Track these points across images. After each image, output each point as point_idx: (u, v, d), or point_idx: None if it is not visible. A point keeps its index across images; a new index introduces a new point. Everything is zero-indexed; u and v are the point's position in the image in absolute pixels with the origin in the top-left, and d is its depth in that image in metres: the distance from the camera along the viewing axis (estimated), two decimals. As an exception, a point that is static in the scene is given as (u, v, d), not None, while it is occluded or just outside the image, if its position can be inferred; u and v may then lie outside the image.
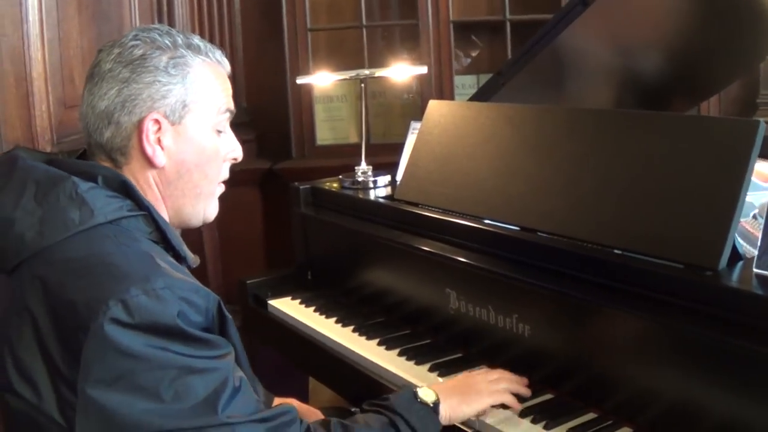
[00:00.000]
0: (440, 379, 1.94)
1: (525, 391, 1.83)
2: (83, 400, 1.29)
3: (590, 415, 1.75)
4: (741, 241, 1.76)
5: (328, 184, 2.73)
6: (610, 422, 1.71)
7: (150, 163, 1.52)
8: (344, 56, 4.22)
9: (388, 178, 2.65)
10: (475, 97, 2.66)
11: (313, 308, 2.46)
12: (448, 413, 1.71)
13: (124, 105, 1.49)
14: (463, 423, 1.77)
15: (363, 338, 2.22)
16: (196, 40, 1.58)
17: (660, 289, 1.66)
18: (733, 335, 1.50)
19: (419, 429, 1.63)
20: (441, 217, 2.20)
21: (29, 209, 1.41)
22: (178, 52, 1.53)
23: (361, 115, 2.68)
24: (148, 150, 1.51)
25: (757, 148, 1.66)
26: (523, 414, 1.77)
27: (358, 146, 4.20)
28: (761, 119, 1.70)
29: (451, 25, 4.02)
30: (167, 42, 1.53)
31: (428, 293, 2.18)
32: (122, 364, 1.29)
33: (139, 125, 1.50)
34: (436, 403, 1.69)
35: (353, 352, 2.17)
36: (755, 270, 1.60)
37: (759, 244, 1.62)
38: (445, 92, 4.12)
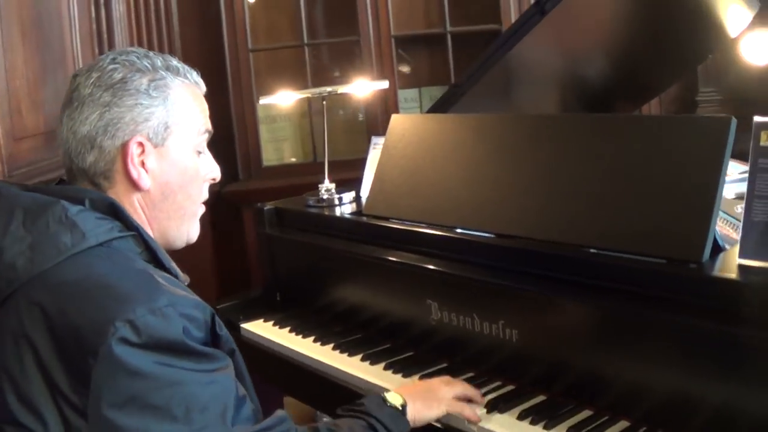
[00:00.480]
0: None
1: (480, 399, 1.87)
2: (96, 425, 1.29)
3: (586, 413, 1.78)
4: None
5: (291, 203, 2.72)
6: (606, 418, 1.74)
7: (135, 186, 1.52)
8: (285, 76, 4.22)
9: (352, 194, 2.66)
10: (433, 109, 2.68)
11: (287, 329, 2.45)
12: (413, 416, 1.76)
13: (106, 129, 1.49)
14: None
15: (345, 355, 2.22)
16: (174, 61, 1.59)
17: (647, 284, 1.71)
18: (723, 324, 1.55)
19: (392, 428, 1.68)
20: (417, 229, 2.22)
21: (18, 236, 1.40)
22: (158, 74, 1.53)
23: (324, 133, 2.67)
24: (134, 173, 1.51)
25: (731, 142, 1.72)
26: (521, 417, 1.79)
27: (304, 166, 4.25)
28: (731, 116, 1.75)
29: (393, 40, 4.05)
30: (146, 64, 1.53)
31: (407, 306, 2.19)
32: (133, 384, 1.29)
33: (123, 149, 1.50)
34: (404, 406, 1.74)
35: (338, 369, 2.17)
36: (739, 260, 1.65)
37: (740, 234, 1.67)
38: (389, 107, 4.15)
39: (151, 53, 1.57)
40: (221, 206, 3.98)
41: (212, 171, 1.66)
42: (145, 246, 1.50)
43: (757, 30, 2.99)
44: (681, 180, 1.75)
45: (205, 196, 1.66)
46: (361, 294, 2.38)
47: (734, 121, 1.73)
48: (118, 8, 3.80)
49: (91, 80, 1.51)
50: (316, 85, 3.96)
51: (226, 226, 4.11)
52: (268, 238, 2.67)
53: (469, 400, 1.86)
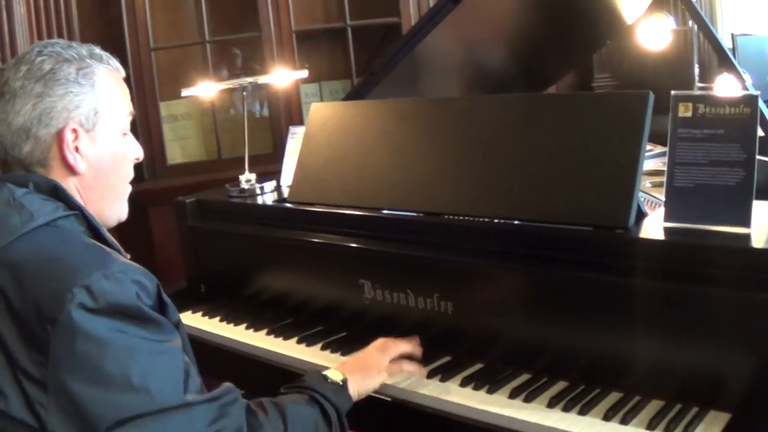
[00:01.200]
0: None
1: (418, 351, 1.98)
2: (55, 393, 1.33)
3: (525, 376, 1.87)
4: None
5: (213, 195, 2.74)
6: (545, 380, 1.84)
7: (71, 170, 1.57)
8: (188, 74, 4.21)
9: (273, 184, 2.69)
10: (350, 97, 2.74)
11: (218, 318, 2.46)
12: (356, 389, 1.82)
13: (40, 119, 1.53)
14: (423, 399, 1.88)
15: (280, 339, 2.25)
16: (97, 50, 1.64)
17: (578, 250, 1.81)
18: (653, 282, 1.68)
19: (337, 404, 1.74)
20: (345, 211, 2.27)
21: None
22: (84, 63, 1.58)
23: (244, 126, 2.69)
24: (70, 158, 1.56)
25: (649, 115, 1.84)
26: (463, 383, 1.87)
27: (209, 163, 4.25)
28: (649, 91, 1.87)
29: (294, 35, 4.09)
30: (73, 54, 1.57)
31: (339, 287, 2.24)
32: (91, 351, 1.33)
33: (58, 136, 1.54)
34: (345, 381, 1.80)
35: (275, 353, 2.20)
36: (664, 223, 1.77)
37: (664, 199, 1.79)
38: (291, 102, 4.19)
39: (74, 43, 1.61)
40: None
41: (137, 151, 1.71)
42: (88, 224, 1.55)
43: (653, 16, 3.14)
44: (604, 152, 1.86)
45: (132, 175, 1.71)
46: (291, 279, 2.42)
47: (652, 96, 1.85)
48: (19, 11, 3.75)
49: (21, 73, 1.54)
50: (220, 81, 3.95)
51: (133, 226, 4.07)
52: (191, 231, 2.68)
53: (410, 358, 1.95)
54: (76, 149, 1.56)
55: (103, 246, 1.49)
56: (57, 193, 1.53)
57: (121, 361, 1.35)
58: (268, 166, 3.19)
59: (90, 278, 1.35)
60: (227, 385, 1.55)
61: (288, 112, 4.18)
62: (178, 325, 1.55)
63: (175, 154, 4.28)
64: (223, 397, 1.50)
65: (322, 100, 4.35)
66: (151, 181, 4.11)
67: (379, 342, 1.97)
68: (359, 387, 1.83)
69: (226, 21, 4.36)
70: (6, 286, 1.39)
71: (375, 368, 1.89)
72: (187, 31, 4.36)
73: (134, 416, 1.34)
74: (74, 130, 1.55)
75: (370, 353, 1.94)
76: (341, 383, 1.80)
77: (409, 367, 1.92)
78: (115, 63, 1.66)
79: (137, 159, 1.71)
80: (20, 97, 1.53)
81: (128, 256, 1.60)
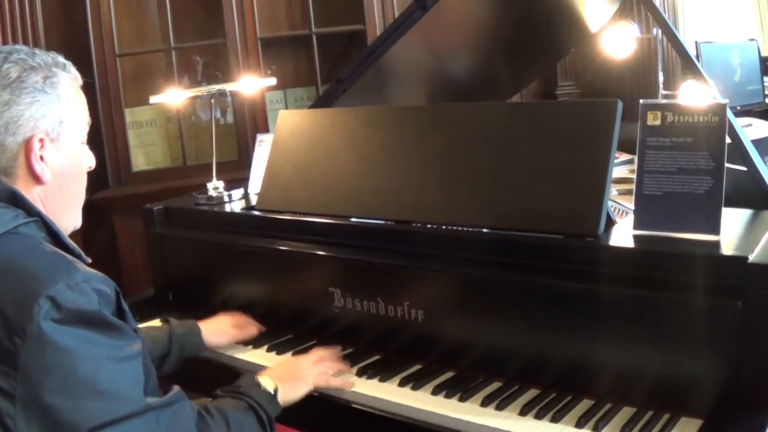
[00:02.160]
0: (351, 375, 2.02)
1: (344, 367, 2.04)
2: (25, 404, 1.33)
3: (496, 384, 1.87)
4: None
5: (180, 203, 2.73)
6: (516, 387, 1.84)
7: (36, 180, 1.56)
8: (152, 80, 4.19)
9: (241, 191, 2.69)
10: (317, 105, 2.73)
11: (187, 326, 2.44)
12: (283, 398, 1.88)
13: (7, 127, 1.51)
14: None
15: (250, 347, 2.25)
16: (60, 58, 1.62)
17: (550, 258, 1.82)
18: (624, 289, 1.70)
19: (269, 411, 1.80)
20: (315, 219, 2.26)
21: None
22: (50, 71, 1.56)
23: (212, 133, 2.68)
24: (37, 168, 1.55)
25: (618, 123, 1.85)
26: (434, 392, 1.87)
27: (173, 170, 4.22)
28: (618, 99, 1.88)
29: (259, 42, 4.08)
30: (39, 62, 1.56)
31: (309, 295, 2.23)
32: (60, 361, 1.34)
33: (25, 145, 1.53)
34: (276, 390, 1.86)
35: (247, 362, 2.19)
36: (633, 231, 1.78)
37: (633, 207, 1.80)
38: (257, 109, 4.17)
39: (37, 50, 1.60)
40: (91, 213, 3.90)
41: (91, 160, 1.71)
42: (48, 230, 1.55)
43: (617, 24, 3.17)
44: (573, 160, 1.87)
45: (85, 183, 1.71)
46: (260, 287, 2.41)
47: (620, 104, 1.86)
48: (-18, 15, 3.71)
49: None
50: (186, 88, 3.94)
51: (96, 233, 4.06)
52: (158, 238, 2.66)
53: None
54: (41, 158, 1.55)
55: (64, 254, 1.49)
56: (16, 200, 1.52)
57: (89, 369, 1.36)
58: (234, 173, 3.20)
59: (54, 288, 1.36)
60: (177, 389, 1.59)
61: (253, 119, 4.16)
62: (137, 331, 1.55)
63: (139, 161, 4.25)
64: (177, 402, 1.54)
65: (287, 107, 4.34)
66: (115, 188, 4.07)
67: (316, 352, 2.06)
68: (287, 395, 1.89)
69: (188, 28, 4.34)
70: None
71: (302, 379, 1.94)
72: (150, 38, 4.33)
73: (106, 423, 1.36)
74: (41, 140, 1.54)
75: (298, 363, 2.01)
76: (272, 392, 1.85)
77: (335, 381, 1.97)
78: (74, 71, 1.65)
79: (90, 168, 1.72)
80: None
81: (89, 260, 1.60)
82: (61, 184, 1.60)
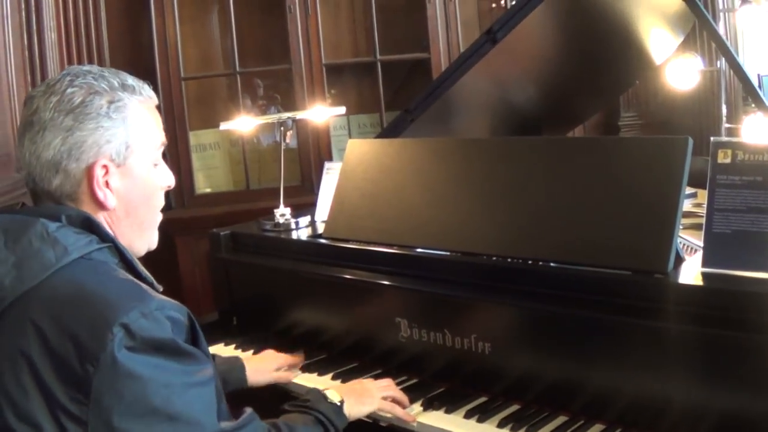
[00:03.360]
0: (416, 405, 2.04)
1: (405, 402, 2.04)
2: (96, 431, 1.34)
3: (561, 419, 1.88)
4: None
5: (246, 228, 2.77)
6: (581, 422, 1.85)
7: (101, 206, 1.56)
8: (216, 104, 4.26)
9: (307, 218, 2.72)
10: (384, 134, 2.76)
11: (251, 352, 2.48)
12: (349, 411, 1.91)
13: (70, 153, 1.51)
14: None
15: (315, 375, 2.28)
16: (130, 80, 1.61)
17: (619, 294, 1.82)
18: (691, 327, 1.70)
19: (336, 423, 1.85)
20: (383, 249, 2.29)
21: (2, 258, 1.44)
22: (116, 96, 1.55)
23: (279, 159, 2.72)
24: (100, 195, 1.54)
25: (689, 160, 1.85)
26: (500, 425, 1.88)
27: (236, 193, 4.28)
28: (689, 137, 1.89)
29: (324, 68, 4.13)
30: (104, 86, 1.55)
31: (375, 324, 2.26)
32: (133, 388, 1.36)
33: (88, 171, 1.53)
34: (342, 402, 1.90)
35: (311, 388, 2.20)
36: (702, 269, 1.78)
37: (702, 245, 1.81)
38: (320, 135, 4.22)
39: (105, 72, 1.59)
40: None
41: (168, 179, 1.70)
42: (121, 257, 1.55)
43: (681, 56, 3.17)
44: (643, 197, 1.87)
45: (162, 203, 1.70)
46: (325, 315, 2.44)
47: (691, 141, 1.87)
48: (50, 36, 3.80)
49: (51, 104, 1.52)
50: (246, 113, 4.00)
51: (159, 255, 4.11)
52: (224, 263, 2.70)
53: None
54: (107, 184, 1.54)
55: (138, 281, 1.50)
56: (90, 226, 1.52)
57: (162, 395, 1.38)
58: (297, 199, 3.24)
59: (128, 316, 1.37)
60: (249, 411, 1.62)
61: (317, 144, 4.21)
62: (208, 355, 1.57)
63: (200, 184, 4.31)
64: (249, 424, 1.58)
65: (350, 133, 4.39)
66: (178, 210, 4.14)
67: (380, 381, 2.08)
68: (351, 410, 1.92)
69: (250, 52, 4.41)
70: (43, 322, 1.39)
71: (368, 397, 1.98)
72: (213, 61, 4.41)
73: None
74: (104, 166, 1.53)
75: (365, 383, 2.06)
76: (339, 404, 1.89)
77: (399, 410, 2.00)
78: (148, 91, 1.63)
79: (168, 187, 1.70)
80: (50, 130, 1.51)
81: (161, 288, 1.60)
82: (128, 209, 1.59)
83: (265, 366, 2.29)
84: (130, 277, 1.51)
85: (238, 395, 2.17)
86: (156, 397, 1.37)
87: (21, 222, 1.48)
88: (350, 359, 2.33)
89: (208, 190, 4.35)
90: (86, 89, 1.53)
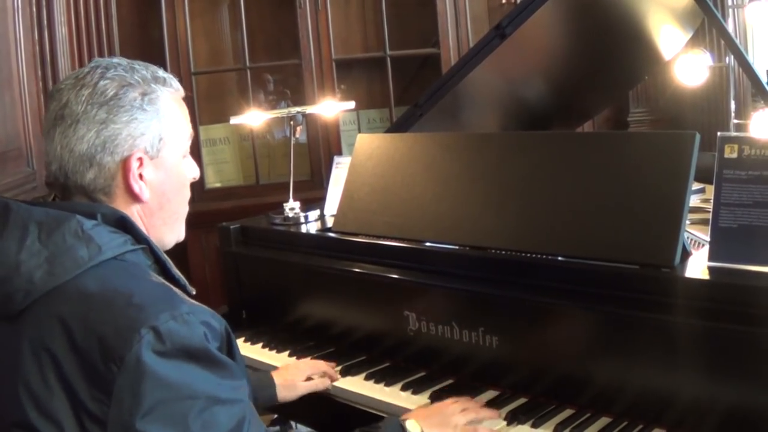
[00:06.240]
0: (414, 397, 2.06)
1: (491, 413, 1.94)
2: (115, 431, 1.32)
3: (568, 412, 1.89)
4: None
5: (256, 222, 2.79)
6: (588, 415, 1.86)
7: (135, 198, 1.55)
8: (225, 99, 4.28)
9: (317, 212, 2.74)
10: (393, 129, 2.78)
11: (260, 344, 2.50)
12: None
13: (104, 146, 1.50)
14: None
15: (325, 367, 2.29)
16: (160, 72, 1.60)
17: (627, 288, 1.83)
18: (698, 321, 1.71)
19: None
20: (392, 243, 2.31)
21: (34, 251, 1.42)
22: (149, 87, 1.54)
23: (288, 153, 2.73)
24: (135, 187, 1.53)
25: (696, 155, 1.86)
26: (506, 418, 1.91)
27: (246, 188, 4.30)
28: (696, 132, 1.90)
29: (334, 63, 4.15)
30: (137, 78, 1.54)
31: (383, 318, 2.28)
32: (155, 393, 1.32)
33: (123, 164, 1.52)
34: None
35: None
36: (709, 263, 1.79)
37: (709, 239, 1.82)
38: (330, 130, 4.24)
39: (135, 64, 1.57)
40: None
41: (195, 171, 1.69)
42: (155, 258, 1.53)
43: (690, 52, 3.17)
44: (651, 191, 1.88)
45: (189, 195, 1.69)
46: (334, 308, 2.46)
47: (698, 136, 1.87)
48: (61, 31, 3.83)
49: (83, 97, 1.51)
50: (256, 108, 4.02)
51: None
52: (234, 257, 2.72)
53: None
54: (141, 177, 1.53)
55: (170, 285, 1.47)
56: (125, 225, 1.49)
57: (185, 404, 1.33)
58: (307, 193, 3.25)
59: (158, 319, 1.33)
60: None
61: (326, 139, 4.23)
62: (245, 375, 1.52)
63: (210, 178, 4.33)
64: None
65: (359, 128, 4.41)
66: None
67: (462, 401, 1.96)
68: None
69: (260, 47, 4.43)
70: (71, 319, 1.37)
71: (453, 426, 1.88)
72: (223, 56, 4.43)
73: None
74: (139, 159, 1.52)
75: (450, 409, 1.93)
76: None
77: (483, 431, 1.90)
78: (176, 83, 1.62)
79: (194, 179, 1.69)
80: (83, 123, 1.50)
81: (193, 291, 1.58)
82: (161, 202, 1.58)
83: (294, 378, 2.22)
84: (163, 280, 1.48)
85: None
86: (178, 405, 1.33)
87: (55, 216, 1.46)
88: (358, 352, 2.34)
89: (218, 184, 4.38)
90: (119, 81, 1.51)
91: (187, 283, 1.59)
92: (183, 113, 1.63)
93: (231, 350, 1.45)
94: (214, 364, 1.38)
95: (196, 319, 1.38)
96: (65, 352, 1.36)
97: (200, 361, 1.36)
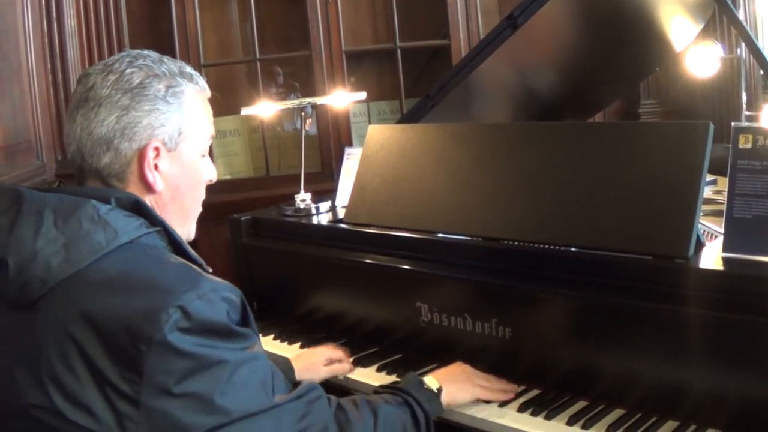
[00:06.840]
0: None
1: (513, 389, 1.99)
2: (148, 410, 1.34)
3: (582, 403, 1.89)
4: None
5: (267, 214, 2.79)
6: (602, 407, 1.85)
7: (148, 188, 1.56)
8: (236, 92, 4.28)
9: (328, 203, 2.74)
10: (404, 120, 2.77)
11: (271, 336, 2.51)
12: (447, 399, 1.88)
13: (123, 132, 1.52)
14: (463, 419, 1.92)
15: (334, 359, 2.29)
16: (188, 68, 1.63)
17: (641, 279, 1.83)
18: (712, 311, 1.70)
19: (428, 410, 1.79)
20: (403, 234, 2.30)
21: (51, 237, 1.43)
22: (174, 81, 1.57)
23: (300, 145, 2.73)
24: (149, 176, 1.55)
25: (710, 145, 1.85)
26: (520, 410, 1.90)
27: (256, 180, 4.30)
28: (710, 122, 1.89)
29: (344, 55, 4.14)
30: (164, 70, 1.56)
31: (395, 309, 2.28)
32: (185, 367, 1.35)
33: (139, 152, 1.54)
34: (440, 390, 1.87)
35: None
36: (723, 254, 1.79)
37: (723, 230, 1.81)
38: (340, 122, 4.23)
39: (165, 58, 1.61)
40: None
41: (211, 173, 1.71)
42: (169, 239, 1.54)
43: (701, 44, 3.16)
44: (664, 182, 1.88)
45: (204, 196, 1.71)
46: (345, 300, 2.46)
47: (712, 126, 1.86)
48: (70, 23, 3.83)
49: (109, 82, 1.53)
50: (270, 100, 4.01)
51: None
52: (245, 248, 2.72)
53: None
54: (156, 167, 1.55)
55: (190, 264, 1.49)
56: (139, 209, 1.51)
57: (214, 374, 1.37)
58: (317, 185, 3.24)
59: (184, 299, 1.36)
60: (310, 382, 1.60)
61: (337, 131, 4.22)
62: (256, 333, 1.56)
63: (221, 170, 4.33)
64: (307, 394, 1.55)
65: (370, 120, 4.40)
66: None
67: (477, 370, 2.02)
68: (450, 398, 1.89)
69: (270, 39, 4.42)
70: (91, 305, 1.38)
71: (470, 384, 1.94)
72: (233, 48, 4.43)
73: (224, 423, 1.37)
74: (156, 149, 1.54)
75: (467, 371, 2.00)
76: (436, 391, 1.86)
77: (502, 395, 1.96)
78: (203, 83, 1.65)
79: (211, 181, 1.71)
80: (105, 107, 1.52)
81: (210, 270, 1.59)
82: (174, 195, 1.60)
83: (314, 362, 2.23)
84: (181, 260, 1.50)
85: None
86: (208, 376, 1.36)
87: (70, 202, 1.46)
88: (370, 344, 2.34)
89: (228, 176, 4.38)
90: (146, 71, 1.54)
91: (203, 261, 1.59)
92: (206, 112, 1.65)
93: (246, 317, 1.49)
94: (234, 335, 1.42)
95: (218, 296, 1.41)
96: (89, 338, 1.37)
97: (221, 335, 1.39)
